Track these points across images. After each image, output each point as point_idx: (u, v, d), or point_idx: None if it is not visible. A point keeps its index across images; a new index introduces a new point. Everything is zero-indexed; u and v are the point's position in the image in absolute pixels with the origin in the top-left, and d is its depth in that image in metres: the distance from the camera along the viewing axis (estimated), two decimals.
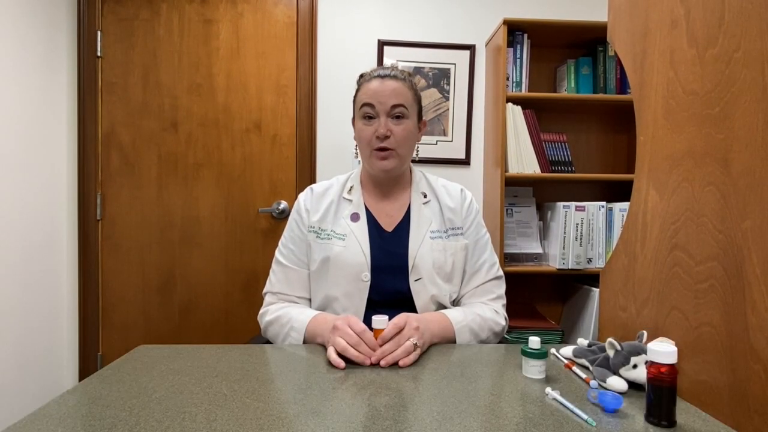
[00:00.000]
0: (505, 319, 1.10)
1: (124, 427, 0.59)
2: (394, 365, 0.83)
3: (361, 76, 1.13)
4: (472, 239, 1.12)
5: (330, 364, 0.83)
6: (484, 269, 1.12)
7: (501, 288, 1.14)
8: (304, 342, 0.98)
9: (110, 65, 2.02)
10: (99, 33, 2.00)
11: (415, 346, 0.85)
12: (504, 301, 1.13)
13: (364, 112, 1.05)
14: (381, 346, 0.84)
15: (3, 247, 1.63)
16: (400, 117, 1.05)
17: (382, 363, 0.83)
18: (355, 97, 1.11)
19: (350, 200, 1.11)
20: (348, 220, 1.08)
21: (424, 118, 1.15)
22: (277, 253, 1.14)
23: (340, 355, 0.83)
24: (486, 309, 1.07)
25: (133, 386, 0.72)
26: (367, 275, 1.03)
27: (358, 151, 1.12)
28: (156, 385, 0.73)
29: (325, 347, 0.91)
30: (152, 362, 0.83)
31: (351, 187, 1.14)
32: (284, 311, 1.04)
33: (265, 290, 1.13)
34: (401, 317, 0.89)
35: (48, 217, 1.87)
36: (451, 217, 1.12)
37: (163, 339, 2.06)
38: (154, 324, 2.07)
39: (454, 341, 0.99)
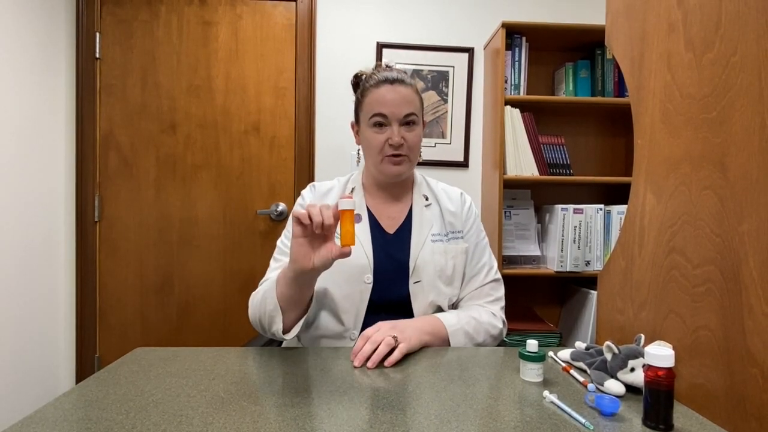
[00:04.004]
0: (504, 322, 1.09)
1: (121, 430, 0.59)
2: (382, 371, 0.82)
3: (359, 77, 1.11)
4: (471, 242, 1.13)
5: (331, 365, 0.83)
6: (483, 272, 1.12)
7: (499, 291, 1.14)
8: (277, 290, 0.90)
9: (109, 67, 2.02)
10: (98, 34, 2.00)
11: (395, 338, 0.84)
12: (503, 304, 1.13)
13: (375, 120, 1.04)
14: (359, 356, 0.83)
15: (1, 249, 1.63)
16: (411, 123, 1.05)
17: (369, 364, 0.82)
18: (359, 101, 1.09)
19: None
20: None
21: (425, 120, 1.16)
22: (279, 242, 1.12)
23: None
24: (483, 312, 1.07)
25: (130, 389, 0.72)
26: (369, 277, 1.03)
27: (361, 155, 1.12)
28: (153, 388, 0.73)
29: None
30: (149, 364, 0.83)
31: (352, 188, 1.13)
32: (266, 284, 1.00)
33: (262, 280, 1.11)
34: (368, 330, 0.88)
35: (46, 218, 1.87)
36: (452, 220, 1.12)
37: (160, 341, 2.05)
38: (151, 326, 2.06)
39: (448, 343, 0.99)
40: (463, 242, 1.11)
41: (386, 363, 0.83)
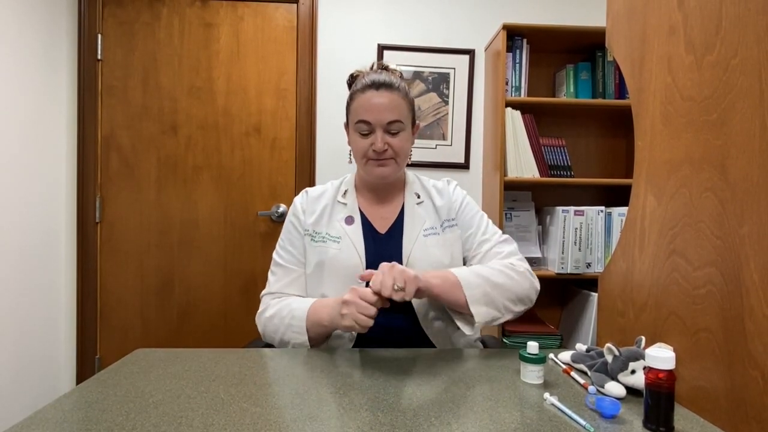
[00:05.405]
0: (529, 271, 1.04)
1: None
2: (382, 373, 0.82)
3: (353, 77, 1.12)
4: (466, 220, 1.12)
5: (331, 367, 0.82)
6: (486, 237, 1.10)
7: (510, 246, 1.10)
8: (307, 330, 0.97)
9: (110, 68, 2.02)
10: (99, 36, 2.01)
11: (399, 287, 0.85)
12: (519, 256, 1.08)
13: (359, 127, 1.04)
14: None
15: (2, 249, 1.63)
16: (396, 129, 1.04)
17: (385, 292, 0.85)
18: (348, 104, 1.10)
19: (344, 203, 1.12)
20: (342, 223, 1.09)
21: (418, 121, 1.15)
22: (275, 255, 1.14)
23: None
24: (494, 262, 1.04)
25: (131, 390, 0.72)
26: None
27: (352, 156, 1.12)
28: (153, 389, 0.73)
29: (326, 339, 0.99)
30: (150, 366, 0.83)
31: (345, 190, 1.14)
32: (284, 303, 1.04)
33: (263, 293, 1.13)
34: (376, 272, 0.90)
35: (47, 219, 1.87)
36: (445, 211, 1.12)
37: (161, 342, 2.05)
38: (152, 327, 2.06)
39: (460, 288, 0.95)
40: (457, 228, 1.12)
41: (399, 298, 0.85)
